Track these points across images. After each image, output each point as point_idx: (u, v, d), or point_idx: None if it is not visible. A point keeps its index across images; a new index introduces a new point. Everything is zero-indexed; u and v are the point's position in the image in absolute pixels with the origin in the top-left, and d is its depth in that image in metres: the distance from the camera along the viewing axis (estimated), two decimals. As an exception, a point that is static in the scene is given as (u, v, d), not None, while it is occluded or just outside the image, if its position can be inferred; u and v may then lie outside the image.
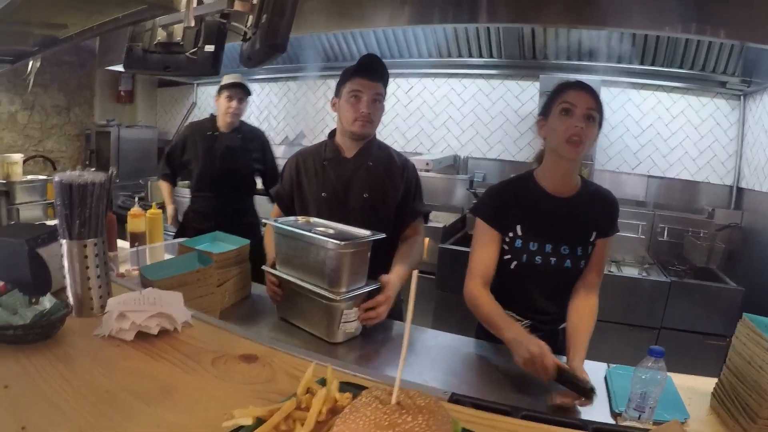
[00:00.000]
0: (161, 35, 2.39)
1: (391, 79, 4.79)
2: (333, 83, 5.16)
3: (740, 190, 4.24)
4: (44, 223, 1.90)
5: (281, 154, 5.63)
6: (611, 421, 1.51)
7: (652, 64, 4.17)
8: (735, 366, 1.53)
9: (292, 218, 2.14)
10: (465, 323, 2.20)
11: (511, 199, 1.96)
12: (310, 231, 1.91)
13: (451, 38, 4.47)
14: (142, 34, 2.44)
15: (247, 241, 2.40)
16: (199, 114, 6.27)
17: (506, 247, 1.94)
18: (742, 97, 4.23)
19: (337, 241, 1.81)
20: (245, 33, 2.04)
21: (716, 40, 3.52)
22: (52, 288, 1.53)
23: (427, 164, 4.20)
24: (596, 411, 1.55)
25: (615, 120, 4.41)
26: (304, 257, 1.95)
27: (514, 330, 1.72)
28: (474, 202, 2.46)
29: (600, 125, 1.83)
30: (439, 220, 4.18)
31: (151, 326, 1.28)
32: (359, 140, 2.31)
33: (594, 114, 1.79)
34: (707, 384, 1.69)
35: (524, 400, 1.60)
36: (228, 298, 2.25)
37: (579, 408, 1.55)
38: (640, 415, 1.45)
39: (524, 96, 4.65)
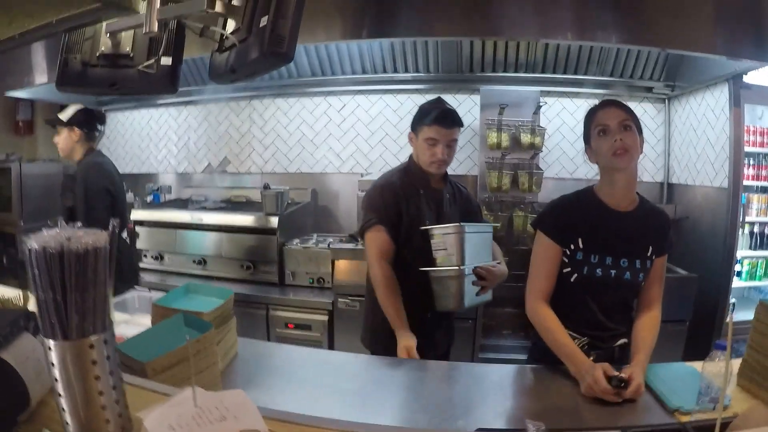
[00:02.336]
0: (105, 45, 2.04)
1: (322, 98, 4.78)
2: (258, 104, 5.14)
3: (671, 186, 4.64)
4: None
5: (199, 182, 5.42)
6: (672, 419, 1.60)
7: (585, 74, 4.40)
8: (759, 344, 1.69)
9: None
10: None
11: (573, 212, 2.04)
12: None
13: (387, 53, 4.45)
14: (81, 44, 2.08)
15: (230, 291, 2.13)
16: (108, 144, 5.83)
17: (566, 260, 2.00)
18: (666, 101, 4.61)
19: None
20: (222, 39, 1.81)
21: (641, 48, 3.80)
22: (30, 407, 1.11)
23: (377, 184, 4.13)
24: (650, 411, 1.66)
25: (552, 128, 4.56)
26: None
27: (573, 364, 1.85)
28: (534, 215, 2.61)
29: (639, 132, 1.93)
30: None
31: None
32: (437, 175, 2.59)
33: (629, 123, 1.90)
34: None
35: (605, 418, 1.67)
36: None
37: (638, 410, 1.68)
38: (714, 406, 1.53)
39: (462, 109, 4.65)
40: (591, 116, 1.99)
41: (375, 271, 2.45)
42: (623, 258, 1.97)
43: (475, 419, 1.66)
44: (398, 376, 2.04)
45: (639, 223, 2.00)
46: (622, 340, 2.04)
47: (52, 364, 0.95)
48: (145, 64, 1.99)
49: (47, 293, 0.92)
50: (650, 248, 2.00)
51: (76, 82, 2.06)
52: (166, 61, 1.98)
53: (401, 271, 2.45)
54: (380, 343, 2.51)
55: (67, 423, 0.98)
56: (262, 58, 1.55)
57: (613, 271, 1.97)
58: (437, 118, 2.42)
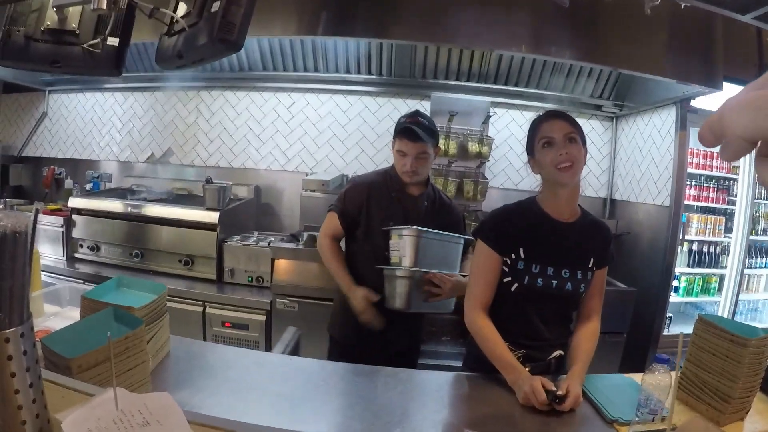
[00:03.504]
0: (51, 19, 1.98)
1: (272, 94, 4.72)
2: (207, 95, 5.06)
3: (613, 202, 4.81)
4: None
5: (141, 172, 5.29)
6: (611, 430, 1.66)
7: (537, 87, 4.52)
8: (697, 359, 1.77)
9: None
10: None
11: (514, 221, 2.02)
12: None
13: (341, 53, 4.46)
14: (26, 17, 2.01)
15: (164, 287, 2.02)
16: (50, 126, 5.65)
17: (507, 269, 2.00)
18: (614, 119, 4.79)
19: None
20: (172, 23, 1.74)
21: (594, 65, 3.93)
22: None
23: (323, 184, 4.07)
24: (589, 422, 1.71)
25: (500, 139, 4.63)
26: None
27: (511, 374, 1.87)
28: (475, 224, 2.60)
29: (584, 143, 1.94)
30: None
31: None
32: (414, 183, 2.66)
33: (574, 136, 1.90)
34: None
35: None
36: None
37: (576, 421, 1.71)
38: (653, 418, 1.57)
39: (411, 115, 4.69)
40: (535, 127, 1.98)
41: (320, 241, 2.74)
42: (565, 268, 1.98)
43: (411, 428, 1.66)
44: (334, 381, 2.02)
45: (581, 235, 2.02)
46: (558, 352, 2.04)
47: None
48: (91, 42, 1.95)
49: None
50: (591, 259, 2.02)
51: (17, 57, 1.99)
52: (112, 41, 1.95)
53: (365, 265, 2.63)
54: (347, 325, 2.68)
55: None
56: (210, 44, 1.54)
57: (554, 282, 1.97)
58: (404, 131, 2.54)
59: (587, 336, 2.03)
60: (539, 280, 1.96)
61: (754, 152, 0.48)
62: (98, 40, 1.92)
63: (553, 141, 1.88)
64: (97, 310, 1.72)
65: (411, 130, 2.51)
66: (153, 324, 1.88)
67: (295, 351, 2.63)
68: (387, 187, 2.65)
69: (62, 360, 1.36)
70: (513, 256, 1.98)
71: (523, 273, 1.97)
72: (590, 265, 2.02)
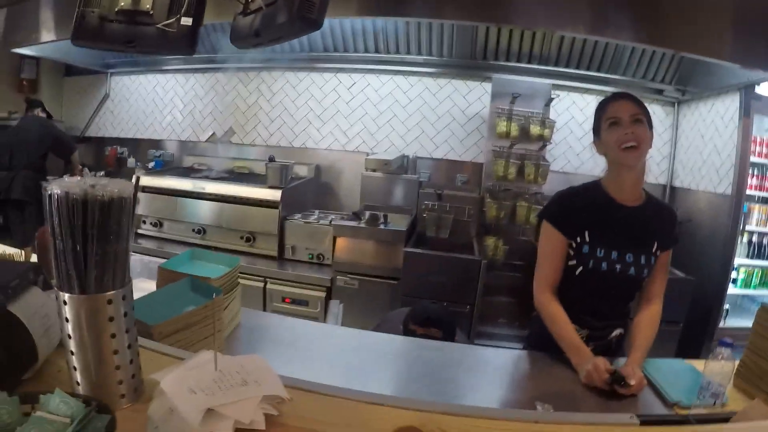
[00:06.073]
0: (125, 0, 2.00)
1: (332, 75, 4.79)
2: (267, 76, 5.13)
3: (674, 189, 4.67)
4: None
5: (202, 151, 5.39)
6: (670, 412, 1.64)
7: (597, 70, 4.42)
8: (758, 347, 1.71)
9: None
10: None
11: (580, 204, 2.00)
12: None
13: (401, 34, 4.44)
14: None
15: (237, 259, 2.07)
16: (112, 107, 5.81)
17: (572, 252, 1.98)
18: (676, 104, 4.63)
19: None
20: (247, 3, 1.79)
21: (654, 48, 3.83)
22: (36, 365, 1.01)
23: (385, 164, 4.12)
24: (649, 404, 1.69)
25: (561, 122, 4.56)
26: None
27: (575, 356, 1.87)
28: (541, 207, 2.49)
29: (650, 127, 1.90)
30: (397, 222, 4.11)
31: (258, 420, 0.89)
32: None
33: (641, 117, 1.87)
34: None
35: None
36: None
37: (637, 402, 1.69)
38: (715, 401, 1.57)
39: (472, 96, 4.69)
40: (602, 108, 1.97)
41: None
42: (629, 253, 1.95)
43: (478, 400, 1.70)
44: (402, 355, 2.06)
45: (645, 219, 1.98)
46: (618, 330, 2.04)
47: (66, 320, 0.89)
48: (165, 22, 1.97)
49: (66, 242, 0.86)
50: (655, 244, 1.99)
51: (92, 37, 2.02)
52: (186, 21, 1.97)
53: None
54: None
55: (77, 383, 0.93)
56: (290, 22, 1.54)
57: (618, 266, 1.94)
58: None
59: (648, 322, 1.99)
60: (603, 264, 1.94)
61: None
62: (173, 20, 1.94)
63: (620, 121, 1.87)
64: (174, 281, 1.79)
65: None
66: (228, 294, 1.92)
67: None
68: None
69: (145, 327, 1.39)
70: (578, 239, 1.95)
71: (587, 257, 1.94)
72: (654, 250, 1.98)
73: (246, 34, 1.75)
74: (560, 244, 1.99)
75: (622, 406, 1.66)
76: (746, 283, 4.23)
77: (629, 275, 1.96)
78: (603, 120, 1.93)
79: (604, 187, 2.00)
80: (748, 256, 4.19)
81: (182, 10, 1.94)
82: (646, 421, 1.15)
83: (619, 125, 1.87)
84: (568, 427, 1.09)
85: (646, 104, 4.36)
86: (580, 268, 1.96)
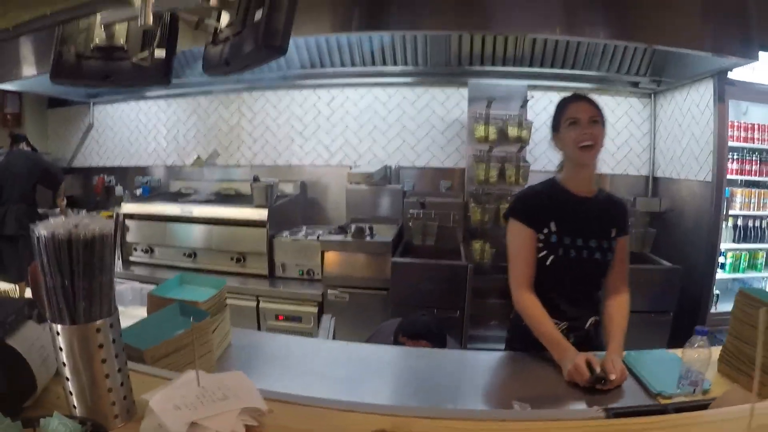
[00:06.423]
0: (100, 37, 2.04)
1: (311, 91, 4.83)
2: (248, 97, 5.17)
3: (656, 179, 4.74)
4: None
5: (188, 175, 5.42)
6: (655, 403, 1.66)
7: (572, 68, 4.48)
8: (738, 332, 1.77)
9: None
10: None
11: (542, 199, 2.12)
12: None
13: (376, 47, 4.47)
14: (75, 36, 2.07)
15: (223, 281, 2.14)
16: (97, 137, 5.85)
17: (541, 244, 2.06)
18: (652, 95, 4.70)
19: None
20: (216, 33, 1.83)
21: (628, 43, 3.89)
22: (36, 393, 1.09)
23: (368, 177, 4.16)
24: (633, 396, 1.73)
25: (539, 122, 4.56)
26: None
27: (557, 351, 1.93)
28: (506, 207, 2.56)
29: (604, 126, 2.02)
30: (383, 233, 4.15)
31: (239, 431, 0.96)
32: None
33: (598, 119, 2.00)
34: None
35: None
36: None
37: (621, 394, 1.75)
38: (694, 389, 1.61)
39: (450, 102, 4.75)
40: (563, 107, 2.07)
41: None
42: (591, 239, 2.06)
43: (463, 403, 1.75)
44: (389, 364, 2.10)
45: (601, 208, 2.11)
46: (593, 318, 2.13)
47: (60, 349, 0.97)
48: (139, 56, 1.99)
49: (56, 278, 0.93)
50: (613, 230, 2.11)
51: (70, 75, 2.04)
52: (159, 53, 1.99)
53: None
54: None
55: (74, 406, 0.99)
56: (256, 51, 1.57)
57: (585, 251, 2.06)
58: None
59: (617, 309, 2.10)
60: (572, 252, 2.05)
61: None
62: (146, 53, 1.97)
63: (579, 121, 1.98)
64: (163, 306, 1.86)
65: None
66: (216, 316, 1.97)
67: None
68: None
69: (136, 351, 1.48)
70: (546, 230, 2.05)
71: (556, 246, 2.05)
72: (613, 235, 2.10)
73: (216, 62, 1.77)
74: (529, 239, 2.08)
75: (605, 399, 1.70)
76: (734, 267, 4.29)
77: (595, 259, 2.08)
78: (563, 118, 2.04)
79: (561, 182, 2.12)
80: (734, 241, 4.24)
81: (155, 43, 1.97)
82: (622, 413, 1.18)
83: (578, 125, 1.98)
84: (540, 424, 1.13)
85: (622, 98, 4.50)
86: (552, 257, 2.06)
